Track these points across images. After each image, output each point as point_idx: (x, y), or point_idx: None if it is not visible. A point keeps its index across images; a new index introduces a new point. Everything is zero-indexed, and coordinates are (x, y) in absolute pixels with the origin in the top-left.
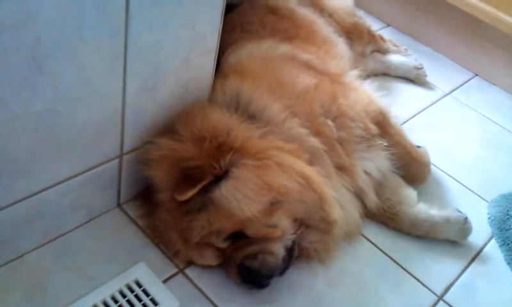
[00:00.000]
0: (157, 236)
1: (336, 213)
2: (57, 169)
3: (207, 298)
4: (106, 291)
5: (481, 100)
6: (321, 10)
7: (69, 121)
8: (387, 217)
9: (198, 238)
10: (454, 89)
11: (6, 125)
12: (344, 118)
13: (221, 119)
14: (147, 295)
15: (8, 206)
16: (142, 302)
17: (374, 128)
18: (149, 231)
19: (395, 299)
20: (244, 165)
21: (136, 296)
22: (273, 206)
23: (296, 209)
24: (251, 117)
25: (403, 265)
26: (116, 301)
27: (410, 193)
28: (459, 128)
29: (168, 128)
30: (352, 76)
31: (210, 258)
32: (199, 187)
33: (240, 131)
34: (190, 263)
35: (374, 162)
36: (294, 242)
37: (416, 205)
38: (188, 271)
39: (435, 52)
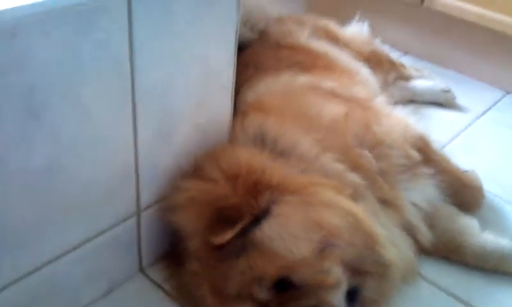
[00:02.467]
0: (184, 296)
1: (390, 253)
2: (66, 235)
3: None
4: None
5: None
6: (336, 42)
7: (75, 177)
8: (449, 251)
9: (235, 289)
10: (488, 109)
11: (0, 187)
12: (381, 147)
13: (252, 157)
14: None
15: (11, 283)
16: None
17: (416, 155)
18: (175, 293)
19: None
20: (286, 202)
21: None
22: (324, 249)
23: (347, 253)
24: (281, 154)
25: (472, 304)
26: None
27: (471, 221)
28: (501, 148)
29: (192, 170)
30: (381, 102)
31: None
32: (238, 227)
33: (275, 168)
34: None
35: (421, 193)
36: (355, 291)
37: (481, 234)
38: None
39: (460, 74)
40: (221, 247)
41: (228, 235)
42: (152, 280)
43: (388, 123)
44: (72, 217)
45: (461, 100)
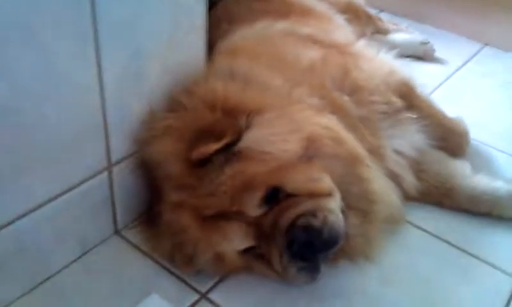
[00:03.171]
0: (164, 249)
1: (375, 184)
2: (31, 189)
3: None
4: None
5: (498, 67)
6: None
7: (36, 122)
8: (441, 195)
9: (226, 202)
10: (467, 61)
11: None
12: (361, 93)
13: (227, 87)
14: None
15: None
16: None
17: (398, 102)
18: (153, 251)
19: (466, 289)
20: (267, 116)
21: None
22: (311, 158)
23: (331, 168)
24: (253, 88)
25: (466, 249)
26: None
27: (462, 164)
28: (484, 97)
29: (167, 107)
30: (362, 45)
31: (237, 237)
32: (222, 142)
33: (251, 96)
34: (215, 286)
35: (406, 139)
36: (343, 210)
37: (474, 176)
38: (212, 295)
39: (437, 29)
40: (202, 163)
41: (212, 148)
42: (128, 241)
43: (370, 67)
44: (38, 168)
45: (440, 53)
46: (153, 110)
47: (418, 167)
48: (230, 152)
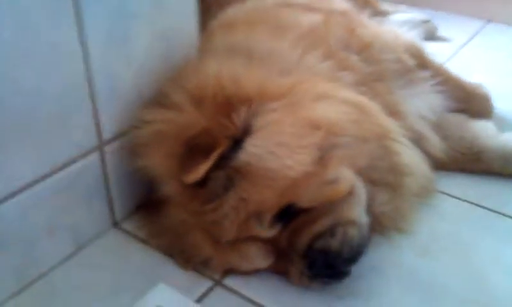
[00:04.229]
0: (172, 248)
1: (405, 157)
2: (12, 168)
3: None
4: None
5: (505, 40)
6: None
7: (17, 88)
8: (471, 160)
9: (233, 232)
10: (472, 38)
11: None
12: (369, 50)
13: (221, 69)
14: None
15: None
16: None
17: (409, 60)
18: (155, 242)
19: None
20: (270, 110)
21: None
22: (325, 153)
23: (355, 153)
24: (256, 60)
25: (505, 212)
26: None
27: (486, 124)
28: (496, 69)
29: (156, 98)
30: (365, 16)
31: (257, 257)
32: (214, 156)
33: (250, 74)
34: (229, 272)
35: (424, 101)
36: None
37: (500, 135)
38: (228, 281)
39: (437, 12)
40: (201, 185)
41: (202, 169)
42: (129, 233)
43: (376, 29)
44: (19, 143)
45: (443, 32)
46: (142, 107)
47: (440, 133)
48: (230, 167)
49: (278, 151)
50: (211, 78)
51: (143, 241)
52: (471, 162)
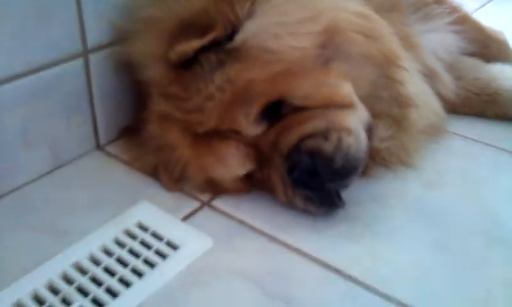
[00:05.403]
0: (155, 166)
1: (410, 87)
2: None
3: (254, 229)
4: (94, 242)
5: None
6: None
7: None
8: (485, 102)
9: (214, 119)
10: (481, 7)
11: None
12: None
13: None
14: (159, 238)
15: None
16: (154, 249)
17: None
18: (142, 165)
19: None
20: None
21: (142, 243)
22: (328, 58)
23: (359, 75)
24: None
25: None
26: (109, 253)
27: (502, 66)
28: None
29: None
30: None
31: (234, 160)
32: (207, 38)
33: None
34: (207, 186)
35: (438, 37)
36: (370, 125)
37: None
38: (217, 203)
39: None
40: (187, 67)
41: (192, 46)
42: (112, 155)
43: None
44: None
45: None
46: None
47: (454, 74)
48: (223, 51)
49: (278, 31)
50: None
51: (128, 164)
52: (485, 104)
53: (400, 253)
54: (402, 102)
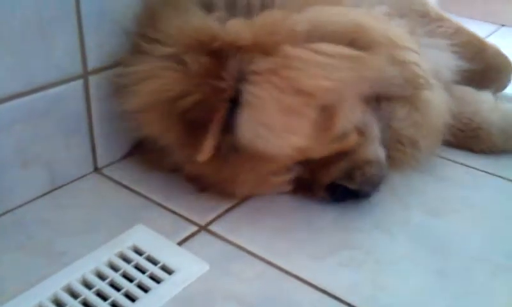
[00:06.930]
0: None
1: (416, 61)
2: None
3: (252, 254)
4: (87, 265)
5: None
6: None
7: None
8: (469, 138)
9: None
10: (486, 37)
11: None
12: None
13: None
14: (154, 263)
15: None
16: (148, 273)
17: (432, 9)
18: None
19: None
20: (259, 75)
21: (137, 266)
22: (327, 111)
23: (359, 82)
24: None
25: None
26: (102, 277)
27: (484, 95)
28: None
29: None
30: None
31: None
32: (213, 130)
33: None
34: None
35: (439, 55)
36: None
37: (499, 106)
38: (214, 227)
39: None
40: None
41: (208, 146)
42: (110, 178)
43: None
44: None
45: None
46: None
47: None
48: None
49: (267, 135)
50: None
51: (126, 187)
52: (470, 140)
53: (402, 281)
54: (411, 80)
